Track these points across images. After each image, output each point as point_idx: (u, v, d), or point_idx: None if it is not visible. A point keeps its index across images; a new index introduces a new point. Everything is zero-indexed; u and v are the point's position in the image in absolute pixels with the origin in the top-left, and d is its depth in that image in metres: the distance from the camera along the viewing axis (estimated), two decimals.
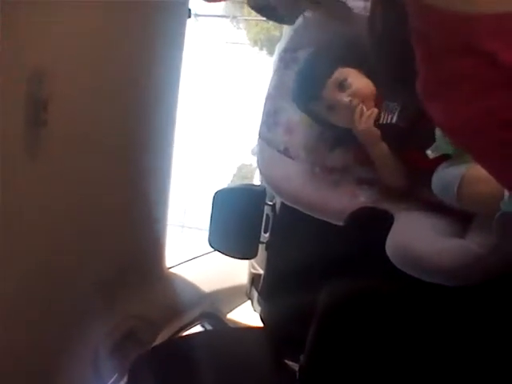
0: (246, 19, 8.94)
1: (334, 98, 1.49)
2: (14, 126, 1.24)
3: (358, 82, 1.48)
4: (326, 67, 1.51)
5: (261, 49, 9.10)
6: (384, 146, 1.46)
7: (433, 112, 0.55)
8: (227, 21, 9.18)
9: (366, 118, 1.44)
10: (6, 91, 1.19)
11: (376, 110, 1.45)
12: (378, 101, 1.47)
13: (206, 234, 1.89)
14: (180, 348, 1.81)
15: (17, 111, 1.23)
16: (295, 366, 1.64)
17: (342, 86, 1.48)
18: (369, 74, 1.50)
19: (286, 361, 1.75)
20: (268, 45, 8.61)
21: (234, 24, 9.33)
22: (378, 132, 1.45)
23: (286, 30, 1.80)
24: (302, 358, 1.59)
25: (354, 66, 1.50)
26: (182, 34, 1.67)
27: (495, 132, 0.51)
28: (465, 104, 0.51)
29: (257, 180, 2.11)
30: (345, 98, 1.46)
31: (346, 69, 1.50)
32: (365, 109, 1.44)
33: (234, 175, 9.24)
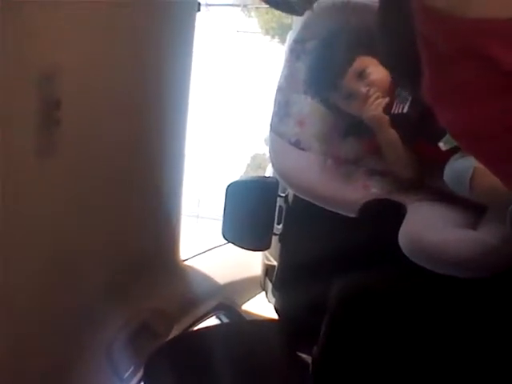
0: (256, 7, 8.89)
1: (353, 86, 1.48)
2: (26, 126, 1.25)
3: (377, 72, 1.47)
4: (346, 55, 1.50)
5: (273, 37, 9.04)
6: (392, 133, 1.45)
7: (438, 114, 0.55)
8: (238, 9, 9.13)
9: (375, 105, 1.44)
10: (17, 91, 1.19)
11: (387, 99, 1.44)
12: (391, 90, 1.46)
13: (221, 224, 1.90)
14: (195, 341, 1.82)
15: (29, 111, 1.24)
16: (309, 359, 1.65)
17: (361, 75, 1.47)
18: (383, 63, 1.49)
19: (300, 354, 1.76)
20: (280, 33, 8.55)
21: (245, 13, 9.28)
22: (385, 118, 1.44)
23: (297, 20, 1.79)
24: (315, 350, 1.59)
25: (373, 55, 1.49)
26: (192, 28, 1.67)
27: (498, 137, 0.51)
28: (468, 109, 0.51)
29: (270, 169, 2.10)
30: (362, 88, 1.46)
31: (367, 57, 1.49)
32: (380, 96, 1.44)
33: (248, 165, 9.24)
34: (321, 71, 1.56)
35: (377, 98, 1.45)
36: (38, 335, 1.48)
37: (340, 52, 1.52)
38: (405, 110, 1.44)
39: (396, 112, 1.45)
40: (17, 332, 1.42)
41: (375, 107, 1.44)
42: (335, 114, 1.60)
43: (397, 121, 1.45)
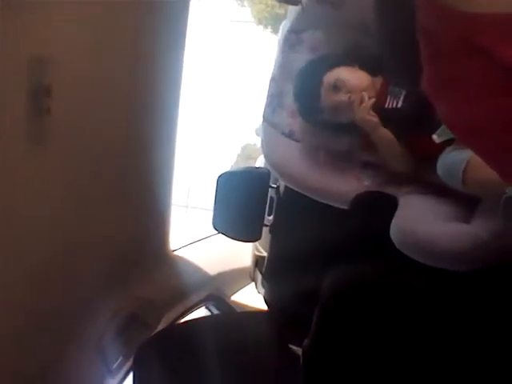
0: None
1: (333, 100, 1.49)
2: (16, 114, 1.23)
3: (351, 77, 1.49)
4: (314, 78, 1.52)
5: (265, 27, 9.01)
6: (384, 132, 1.45)
7: (437, 108, 0.54)
8: None
9: (362, 108, 1.44)
10: (7, 79, 1.18)
11: (373, 100, 1.45)
12: (383, 86, 1.46)
13: (211, 214, 1.89)
14: (185, 333, 1.82)
15: (19, 99, 1.22)
16: (299, 351, 1.65)
17: (335, 87, 1.49)
18: (369, 62, 1.49)
19: (290, 346, 1.76)
20: (272, 23, 8.52)
21: (238, 2, 9.24)
22: (375, 119, 1.45)
23: (291, 10, 1.77)
24: (305, 342, 1.60)
25: (343, 64, 1.51)
26: (185, 17, 1.65)
27: (496, 134, 0.51)
28: (467, 104, 0.51)
29: (261, 160, 2.10)
30: (343, 97, 1.46)
31: (335, 69, 1.50)
32: (366, 97, 1.44)
33: (238, 155, 9.23)
34: (301, 102, 1.59)
35: (361, 101, 1.45)
36: (28, 325, 1.48)
37: (309, 78, 1.55)
38: (399, 105, 1.44)
39: (390, 107, 1.45)
40: (12, 325, 1.41)
41: (362, 110, 1.45)
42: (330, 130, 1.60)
43: (391, 115, 1.45)
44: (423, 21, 0.52)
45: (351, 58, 1.52)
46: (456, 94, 0.52)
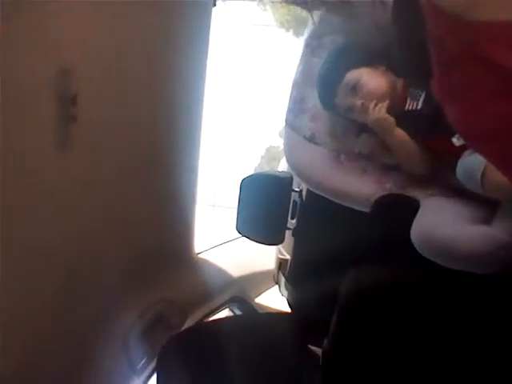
0: (272, 1, 8.86)
1: (347, 102, 1.51)
2: (43, 122, 1.27)
3: (371, 82, 1.49)
4: (336, 73, 1.53)
5: (287, 30, 9.00)
6: (400, 133, 1.45)
7: (448, 114, 0.56)
8: (254, 3, 9.12)
9: (377, 109, 1.45)
10: (37, 89, 1.21)
11: (387, 102, 1.45)
12: (404, 88, 1.47)
13: (235, 213, 1.90)
14: (208, 332, 1.84)
15: (47, 108, 1.25)
16: (319, 352, 1.66)
17: (353, 89, 1.50)
18: (390, 64, 1.49)
19: (310, 346, 1.77)
20: (295, 26, 8.51)
21: (261, 6, 9.25)
22: (391, 119, 1.45)
23: (314, 15, 1.78)
24: (325, 342, 1.60)
25: (368, 65, 1.51)
26: (208, 24, 1.68)
27: (503, 140, 0.52)
28: (474, 111, 0.52)
29: (284, 163, 2.11)
30: (357, 102, 1.48)
31: (359, 69, 1.51)
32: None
33: (262, 157, 9.22)
34: (320, 92, 1.60)
35: (375, 104, 1.46)
36: (54, 325, 1.51)
37: (331, 71, 1.55)
38: (419, 107, 1.44)
39: (410, 108, 1.45)
40: (32, 323, 1.44)
41: (378, 111, 1.45)
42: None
43: (411, 117, 1.45)
44: (432, 29, 0.53)
45: (379, 57, 1.53)
46: (463, 100, 0.53)
